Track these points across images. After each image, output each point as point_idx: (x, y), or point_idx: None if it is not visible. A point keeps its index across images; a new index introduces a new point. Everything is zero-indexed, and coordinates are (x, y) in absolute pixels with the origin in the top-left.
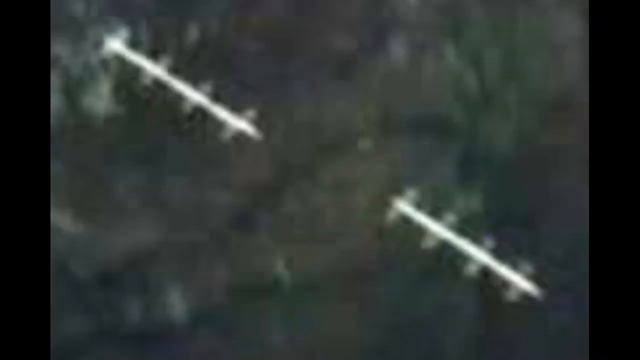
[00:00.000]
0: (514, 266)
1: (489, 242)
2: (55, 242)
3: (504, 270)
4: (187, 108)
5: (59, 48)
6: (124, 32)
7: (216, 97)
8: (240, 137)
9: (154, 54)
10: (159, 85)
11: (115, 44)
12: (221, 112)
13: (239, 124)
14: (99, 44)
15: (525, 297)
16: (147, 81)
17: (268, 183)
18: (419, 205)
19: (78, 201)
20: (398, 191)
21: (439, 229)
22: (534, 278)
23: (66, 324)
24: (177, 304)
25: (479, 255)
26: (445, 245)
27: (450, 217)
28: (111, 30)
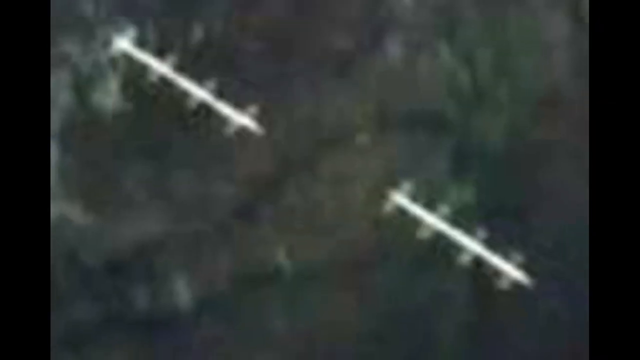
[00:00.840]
0: (506, 256)
1: (482, 232)
2: (66, 233)
3: (495, 260)
4: (192, 104)
5: (69, 47)
6: (131, 32)
7: (220, 94)
8: (242, 133)
9: (160, 53)
10: (165, 82)
11: (123, 43)
12: (225, 109)
13: (241, 119)
14: (107, 43)
15: (516, 285)
16: (153, 79)
17: (270, 176)
18: (414, 198)
19: (88, 194)
20: (394, 184)
21: (433, 220)
22: (525, 267)
23: (76, 310)
24: (182, 292)
25: (472, 245)
26: (439, 236)
27: (444, 209)
28: (119, 30)
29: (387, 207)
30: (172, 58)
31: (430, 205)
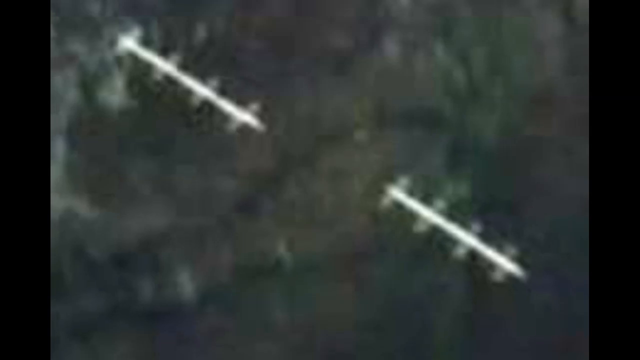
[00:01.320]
0: (500, 249)
1: (476, 226)
2: (73, 226)
3: (490, 253)
4: (195, 102)
5: (76, 46)
6: (136, 31)
7: (222, 92)
8: (244, 129)
9: (164, 52)
10: (169, 80)
11: (129, 42)
12: (227, 106)
13: (243, 116)
14: (113, 42)
15: (510, 277)
16: (158, 77)
17: (270, 171)
18: (410, 192)
19: (94, 188)
20: (391, 179)
21: (429, 214)
22: (518, 260)
23: (83, 301)
24: (186, 284)
25: (467, 238)
26: (435, 230)
27: (440, 203)
28: (125, 30)
29: (385, 202)
30: (176, 57)
31: (426, 199)
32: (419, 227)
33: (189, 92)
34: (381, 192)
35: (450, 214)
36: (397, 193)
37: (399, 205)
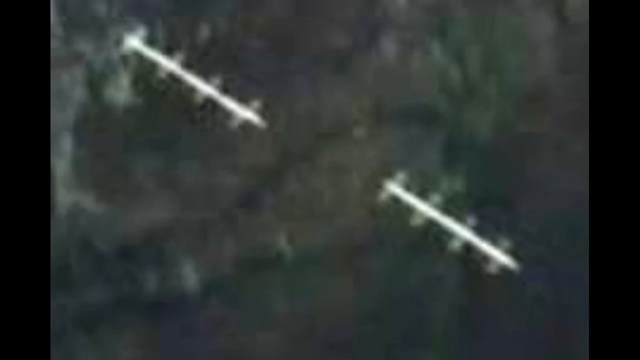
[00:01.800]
0: (494, 242)
1: (471, 220)
2: (80, 220)
3: (484, 246)
4: (198, 99)
5: (83, 45)
6: (141, 31)
7: (225, 90)
8: (246, 126)
9: (168, 51)
10: (173, 78)
11: (134, 42)
12: (229, 103)
13: (245, 113)
14: (119, 42)
15: (504, 270)
16: (162, 75)
17: (271, 167)
18: (407, 187)
19: (100, 183)
20: (389, 174)
21: (425, 209)
22: (512, 253)
23: (89, 293)
24: (189, 276)
25: (462, 232)
26: (431, 223)
27: (436, 198)
28: (130, 29)
29: (382, 196)
30: (180, 55)
31: (422, 194)
32: (416, 221)
33: (192, 89)
34: (379, 186)
35: (446, 208)
36: (394, 188)
37: (396, 200)
